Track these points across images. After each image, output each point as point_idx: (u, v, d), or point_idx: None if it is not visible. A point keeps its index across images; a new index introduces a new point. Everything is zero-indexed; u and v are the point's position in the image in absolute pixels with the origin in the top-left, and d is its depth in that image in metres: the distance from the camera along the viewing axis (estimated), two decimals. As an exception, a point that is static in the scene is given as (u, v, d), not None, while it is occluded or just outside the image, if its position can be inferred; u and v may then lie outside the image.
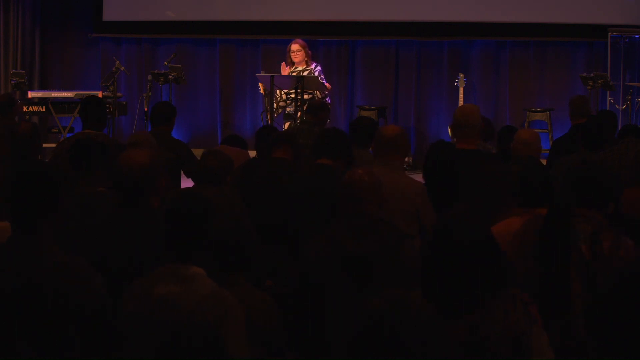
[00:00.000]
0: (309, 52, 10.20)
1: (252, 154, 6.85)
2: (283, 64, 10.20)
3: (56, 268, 3.09)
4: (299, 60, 10.04)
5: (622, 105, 11.15)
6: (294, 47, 10.10)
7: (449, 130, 11.27)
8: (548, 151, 7.55)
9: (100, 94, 11.26)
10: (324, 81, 9.96)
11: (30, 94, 11.58)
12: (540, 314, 3.20)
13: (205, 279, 3.13)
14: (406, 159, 6.06)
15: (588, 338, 3.66)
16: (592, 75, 11.08)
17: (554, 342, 3.39)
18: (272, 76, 9.75)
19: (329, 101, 10.01)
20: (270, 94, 9.78)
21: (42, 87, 12.87)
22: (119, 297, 3.23)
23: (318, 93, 9.88)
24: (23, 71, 11.98)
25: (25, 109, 11.42)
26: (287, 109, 10.03)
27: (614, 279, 3.45)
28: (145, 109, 11.12)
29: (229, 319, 3.08)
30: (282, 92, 9.98)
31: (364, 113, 11.64)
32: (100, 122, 6.14)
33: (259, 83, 10.44)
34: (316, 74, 9.91)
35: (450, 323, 2.89)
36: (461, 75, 11.55)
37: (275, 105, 9.91)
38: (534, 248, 3.80)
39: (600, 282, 3.73)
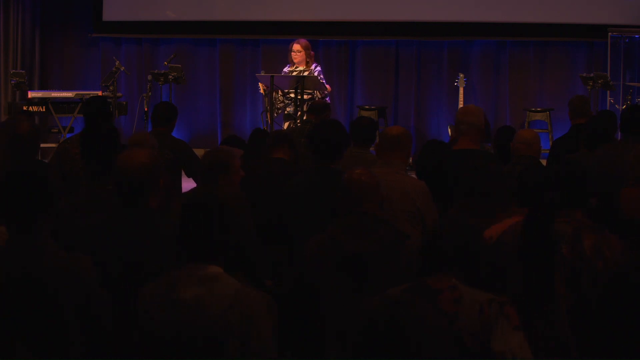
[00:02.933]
0: (312, 53, 10.19)
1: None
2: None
3: (56, 267, 3.08)
4: (298, 61, 10.04)
5: (622, 105, 11.14)
6: (295, 47, 10.09)
7: (449, 129, 11.28)
8: (548, 151, 7.55)
9: (100, 94, 11.26)
10: (324, 81, 9.96)
11: (30, 94, 11.57)
12: (523, 315, 3.27)
13: (227, 277, 3.11)
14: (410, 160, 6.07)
15: (572, 338, 3.67)
16: (592, 75, 11.08)
17: (537, 343, 3.44)
18: (272, 76, 9.75)
19: (328, 100, 10.02)
20: (270, 94, 9.78)
21: (42, 87, 12.87)
22: (119, 297, 3.23)
23: (317, 93, 9.87)
24: (23, 71, 11.97)
25: (25, 109, 11.42)
26: (287, 109, 10.03)
27: (600, 279, 3.47)
28: (145, 109, 11.12)
29: (256, 317, 3.06)
30: (280, 93, 9.98)
31: (364, 113, 11.64)
32: (105, 122, 6.10)
33: (259, 83, 10.44)
34: (315, 74, 9.91)
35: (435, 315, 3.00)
36: (461, 75, 11.55)
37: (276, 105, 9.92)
38: (516, 249, 3.80)
39: (584, 282, 3.72)
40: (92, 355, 3.13)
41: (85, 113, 6.13)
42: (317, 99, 9.71)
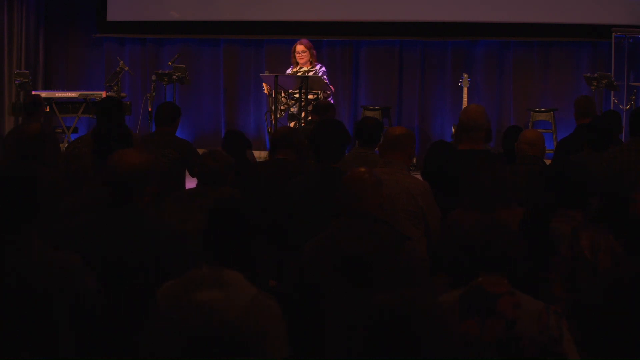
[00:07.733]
0: (314, 52, 10.20)
1: (257, 153, 6.83)
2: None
3: (45, 265, 3.06)
4: (304, 62, 10.03)
5: (626, 106, 11.13)
6: (299, 48, 10.08)
7: (453, 129, 11.27)
8: (552, 151, 7.54)
9: (104, 94, 11.27)
10: (327, 81, 9.95)
11: (34, 94, 11.57)
12: None
13: (245, 284, 3.11)
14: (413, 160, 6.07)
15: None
16: (596, 75, 11.06)
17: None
18: (276, 76, 9.75)
19: (332, 101, 10.02)
20: (275, 95, 9.77)
21: (46, 87, 12.88)
22: (107, 296, 3.22)
23: (321, 94, 9.87)
24: (27, 71, 11.99)
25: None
26: (292, 109, 10.02)
27: (598, 281, 3.48)
28: (149, 109, 11.12)
29: (271, 324, 3.07)
30: (283, 94, 9.96)
31: (368, 113, 11.64)
32: (117, 121, 6.07)
33: (263, 83, 10.44)
34: (320, 74, 9.91)
35: (489, 318, 3.05)
36: (465, 75, 11.54)
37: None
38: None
39: (581, 282, 3.71)
40: (85, 354, 3.12)
41: (99, 110, 6.11)
42: (320, 99, 9.71)
